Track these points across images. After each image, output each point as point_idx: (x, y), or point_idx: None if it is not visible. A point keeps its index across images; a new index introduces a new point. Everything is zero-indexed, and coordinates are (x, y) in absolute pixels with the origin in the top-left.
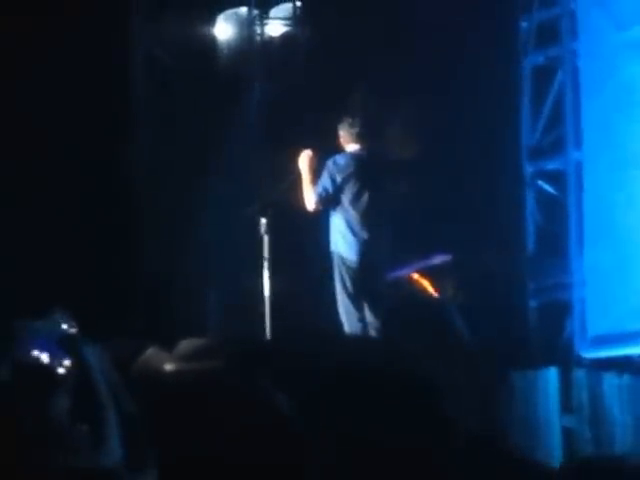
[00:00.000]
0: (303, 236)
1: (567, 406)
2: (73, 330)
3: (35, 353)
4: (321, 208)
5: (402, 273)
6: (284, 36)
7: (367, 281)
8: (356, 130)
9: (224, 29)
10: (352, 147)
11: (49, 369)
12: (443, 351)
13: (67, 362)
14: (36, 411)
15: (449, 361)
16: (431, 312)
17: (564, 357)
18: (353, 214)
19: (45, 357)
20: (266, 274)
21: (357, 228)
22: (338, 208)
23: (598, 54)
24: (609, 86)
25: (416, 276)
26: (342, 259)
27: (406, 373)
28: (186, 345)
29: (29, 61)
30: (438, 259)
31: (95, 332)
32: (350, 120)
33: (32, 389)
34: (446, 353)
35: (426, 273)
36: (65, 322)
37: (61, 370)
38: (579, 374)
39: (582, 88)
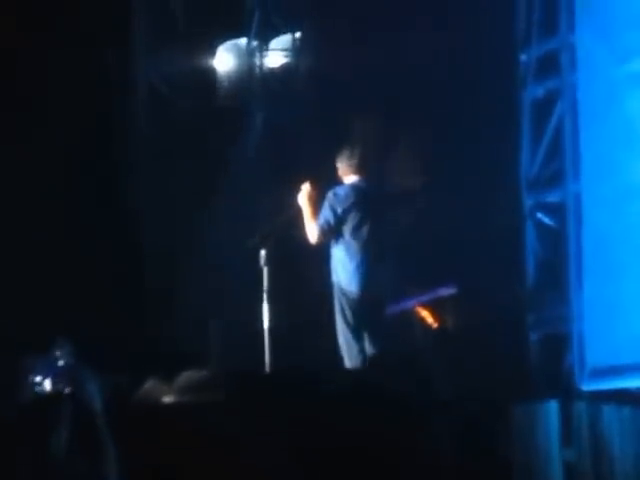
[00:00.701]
0: (303, 267)
1: (567, 439)
2: (73, 362)
3: (36, 389)
4: (324, 240)
5: (408, 305)
6: (284, 67)
7: (368, 312)
8: (355, 161)
9: (224, 60)
10: (351, 178)
11: (49, 407)
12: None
13: (67, 394)
14: (37, 447)
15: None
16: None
17: (564, 390)
18: (354, 245)
19: (46, 393)
20: (265, 305)
21: (358, 259)
22: (339, 239)
23: (598, 86)
24: (609, 118)
25: (416, 306)
26: (343, 290)
27: (402, 395)
28: (185, 377)
29: (29, 92)
30: (444, 291)
31: (96, 364)
32: (349, 151)
33: (33, 426)
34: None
35: (426, 304)
36: (66, 354)
37: (60, 406)
38: (579, 407)
39: (581, 120)
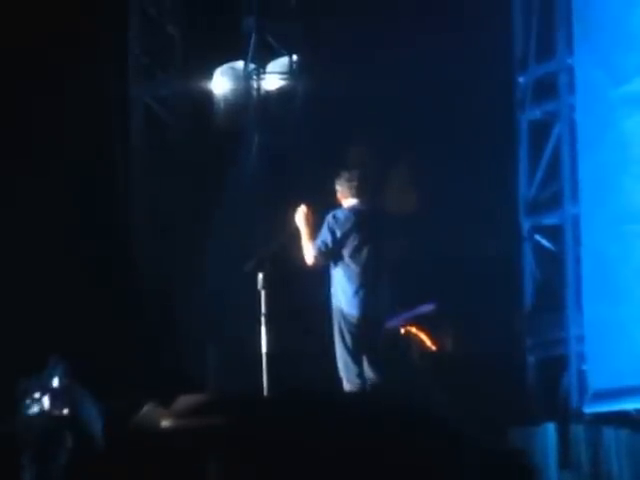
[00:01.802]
0: (301, 290)
1: (566, 462)
2: (69, 382)
3: (35, 408)
4: (320, 262)
5: (389, 325)
6: (281, 90)
7: (367, 336)
8: (354, 184)
9: (221, 83)
10: (350, 201)
11: (50, 429)
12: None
13: (67, 417)
14: (37, 470)
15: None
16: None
17: (562, 412)
18: (354, 268)
19: (46, 413)
20: (263, 329)
21: (358, 283)
22: (339, 262)
23: (595, 108)
24: (606, 140)
25: (414, 329)
26: (342, 313)
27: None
28: (183, 401)
29: (31, 117)
30: (424, 309)
31: (95, 388)
32: (347, 174)
33: (33, 451)
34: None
35: (425, 326)
36: (61, 371)
37: (61, 429)
38: (577, 429)
39: (579, 142)
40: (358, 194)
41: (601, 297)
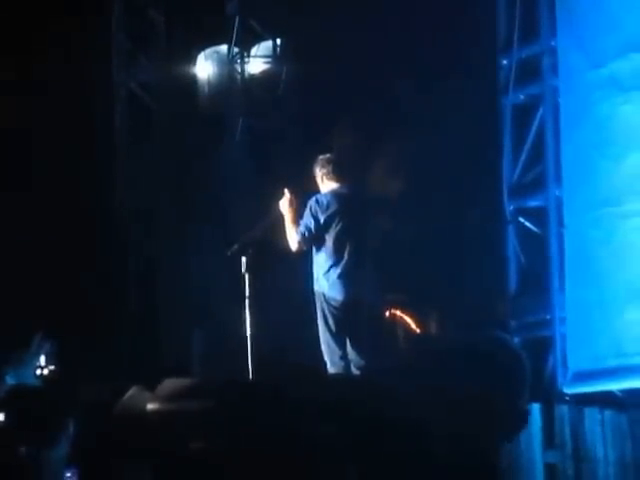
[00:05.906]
0: (284, 274)
1: (550, 442)
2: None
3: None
4: (304, 248)
5: None
6: (265, 74)
7: (350, 319)
8: (330, 168)
9: (205, 67)
10: (330, 185)
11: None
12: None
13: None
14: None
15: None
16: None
17: (547, 393)
18: (336, 252)
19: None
20: (247, 312)
21: (340, 266)
22: (322, 246)
23: (575, 91)
24: (586, 123)
25: (398, 312)
26: (325, 297)
27: (387, 412)
28: (169, 385)
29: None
30: None
31: (79, 372)
32: (324, 159)
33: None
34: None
35: (409, 309)
36: (48, 351)
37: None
38: (562, 410)
39: (562, 125)
40: (337, 178)
41: (583, 278)
